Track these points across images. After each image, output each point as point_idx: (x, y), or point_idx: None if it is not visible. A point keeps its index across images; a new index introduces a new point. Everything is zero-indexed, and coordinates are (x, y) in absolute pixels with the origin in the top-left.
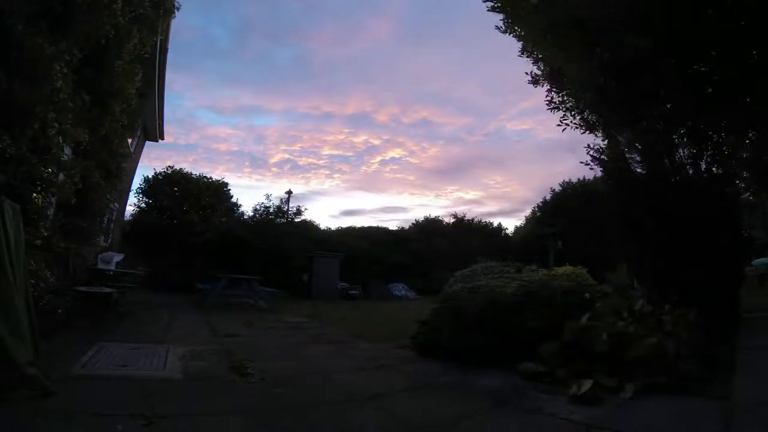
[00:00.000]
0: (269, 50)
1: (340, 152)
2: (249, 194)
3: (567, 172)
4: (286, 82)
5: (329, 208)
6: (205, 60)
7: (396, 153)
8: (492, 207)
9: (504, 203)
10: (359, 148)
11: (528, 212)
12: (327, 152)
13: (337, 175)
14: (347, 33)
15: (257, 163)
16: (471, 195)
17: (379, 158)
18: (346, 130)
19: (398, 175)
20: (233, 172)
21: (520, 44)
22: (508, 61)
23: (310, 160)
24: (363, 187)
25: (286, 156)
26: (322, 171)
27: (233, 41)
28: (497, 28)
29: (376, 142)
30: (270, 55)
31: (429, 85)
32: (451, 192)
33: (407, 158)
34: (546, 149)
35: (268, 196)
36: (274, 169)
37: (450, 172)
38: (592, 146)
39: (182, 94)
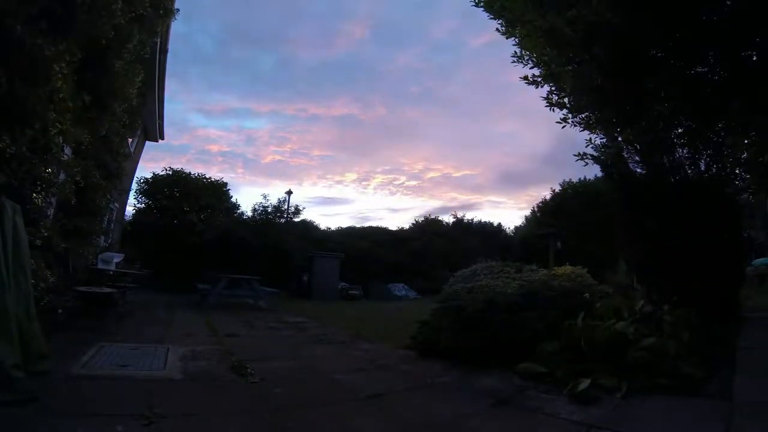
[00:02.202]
0: (252, 56)
1: (330, 153)
2: (245, 195)
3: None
4: (272, 85)
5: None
6: (192, 66)
7: (386, 154)
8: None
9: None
10: (350, 148)
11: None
12: (318, 153)
13: (329, 176)
14: (325, 37)
15: (250, 164)
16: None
17: (369, 158)
18: (335, 131)
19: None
20: (227, 173)
21: (516, 50)
22: (492, 61)
23: (302, 161)
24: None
25: (278, 157)
26: (314, 172)
27: (217, 47)
28: (498, 31)
29: (366, 142)
30: (254, 61)
31: (413, 87)
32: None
33: (399, 159)
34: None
35: (265, 196)
36: (266, 169)
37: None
38: (591, 141)
39: (172, 97)
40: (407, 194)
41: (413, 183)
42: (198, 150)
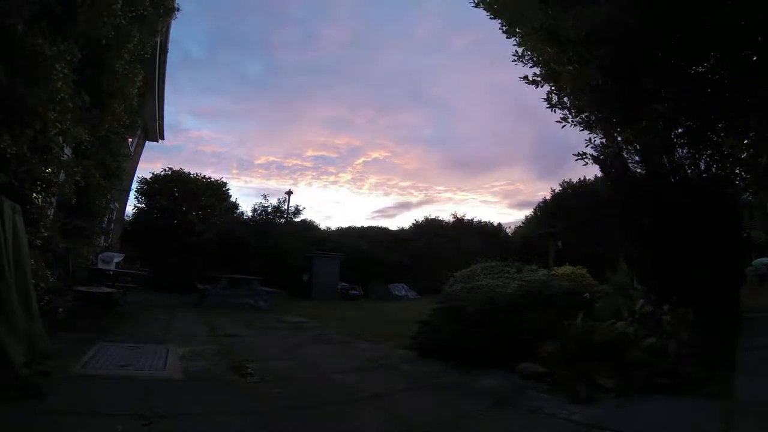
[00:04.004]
0: (240, 59)
1: (323, 153)
2: (241, 195)
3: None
4: (260, 88)
5: None
6: (181, 70)
7: (378, 154)
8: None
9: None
10: (342, 149)
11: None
12: (310, 154)
13: (323, 177)
14: (306, 41)
15: (244, 165)
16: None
17: (362, 159)
18: (326, 132)
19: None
20: (221, 173)
21: (517, 49)
22: (475, 60)
23: (295, 162)
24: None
25: (271, 158)
26: (308, 172)
27: (205, 53)
28: (500, 29)
29: (357, 143)
30: (241, 64)
31: (399, 88)
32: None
33: (391, 159)
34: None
35: (265, 196)
36: (260, 170)
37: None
38: (591, 141)
39: (164, 100)
40: (402, 194)
41: (406, 183)
42: (192, 151)
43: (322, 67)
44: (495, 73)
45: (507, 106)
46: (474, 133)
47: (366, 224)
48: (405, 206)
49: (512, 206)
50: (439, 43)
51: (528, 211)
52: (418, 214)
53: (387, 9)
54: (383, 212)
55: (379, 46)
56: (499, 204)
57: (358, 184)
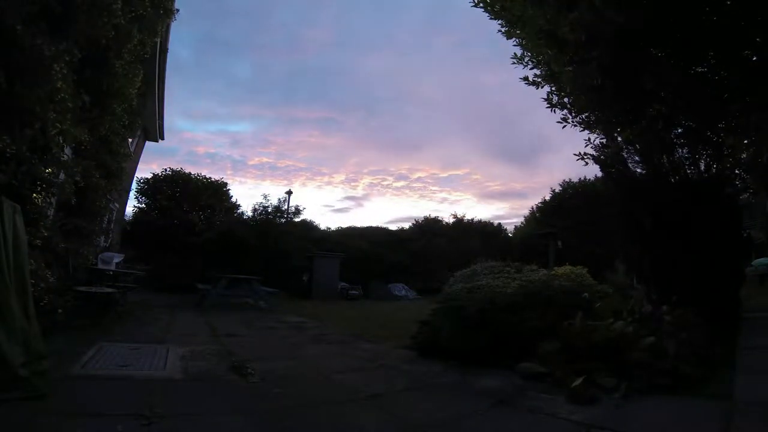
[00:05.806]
0: (228, 62)
1: (316, 154)
2: (236, 195)
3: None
4: (250, 91)
5: None
6: (171, 72)
7: (371, 154)
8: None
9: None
10: (334, 150)
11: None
12: (303, 155)
13: (318, 177)
14: (292, 44)
15: (238, 166)
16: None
17: (354, 159)
18: (317, 133)
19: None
20: (216, 174)
21: (516, 51)
22: (461, 60)
23: (288, 162)
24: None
25: (264, 159)
26: (303, 173)
27: (194, 56)
28: (499, 32)
29: (350, 143)
30: (230, 67)
31: (388, 89)
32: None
33: (382, 159)
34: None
35: (265, 196)
36: (254, 171)
37: None
38: (591, 141)
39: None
40: (396, 195)
41: (401, 183)
42: (186, 152)
43: (308, 70)
44: (478, 73)
45: (487, 104)
46: (452, 130)
47: (322, 219)
48: (354, 199)
49: (483, 199)
50: (423, 43)
51: (500, 203)
52: (372, 209)
53: (370, 11)
54: (331, 207)
55: (365, 49)
56: (470, 199)
57: (352, 184)
